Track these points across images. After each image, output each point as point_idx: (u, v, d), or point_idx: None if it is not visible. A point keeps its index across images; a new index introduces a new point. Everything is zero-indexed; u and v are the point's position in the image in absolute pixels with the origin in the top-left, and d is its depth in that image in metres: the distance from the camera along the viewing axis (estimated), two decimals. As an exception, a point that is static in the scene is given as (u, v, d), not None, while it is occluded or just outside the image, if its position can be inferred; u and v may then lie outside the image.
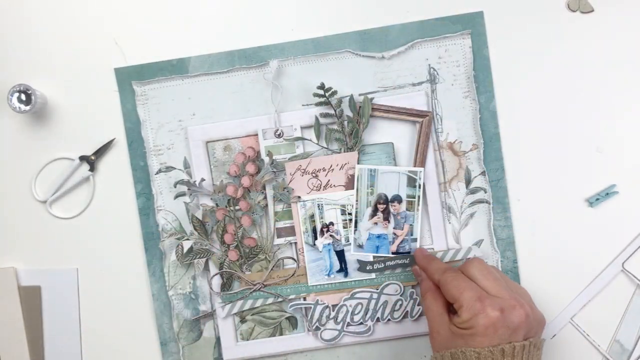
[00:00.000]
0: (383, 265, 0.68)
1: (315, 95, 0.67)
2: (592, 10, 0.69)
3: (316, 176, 0.68)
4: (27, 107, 0.67)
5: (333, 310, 0.69)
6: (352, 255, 0.68)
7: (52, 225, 0.71)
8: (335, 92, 0.67)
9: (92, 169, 0.70)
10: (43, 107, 0.70)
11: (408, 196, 0.68)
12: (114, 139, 0.70)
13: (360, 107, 0.67)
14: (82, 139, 0.70)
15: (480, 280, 0.56)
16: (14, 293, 0.70)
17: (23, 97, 0.67)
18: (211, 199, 0.69)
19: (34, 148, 0.71)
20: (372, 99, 0.68)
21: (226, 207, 0.69)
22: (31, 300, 0.70)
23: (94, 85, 0.70)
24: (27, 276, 0.71)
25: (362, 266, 0.68)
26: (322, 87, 0.67)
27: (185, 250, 0.69)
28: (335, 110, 0.68)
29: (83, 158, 0.70)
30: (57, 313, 0.71)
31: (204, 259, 0.69)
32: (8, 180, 0.71)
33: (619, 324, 0.69)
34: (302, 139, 0.68)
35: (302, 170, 0.68)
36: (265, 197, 0.69)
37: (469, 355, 0.52)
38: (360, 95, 0.68)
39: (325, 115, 0.68)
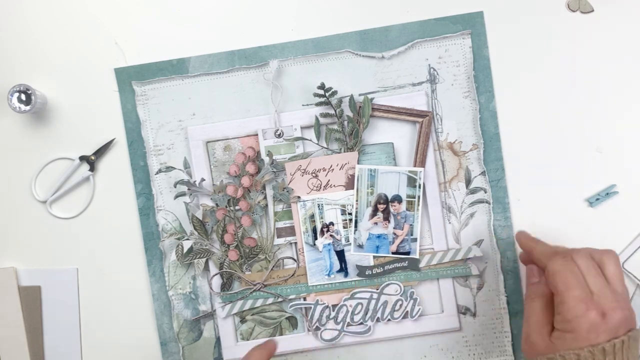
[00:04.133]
0: (382, 270, 0.68)
1: (316, 95, 0.67)
2: (592, 10, 0.69)
3: (316, 176, 0.68)
4: (27, 107, 0.67)
5: (333, 310, 0.69)
6: (352, 256, 0.68)
7: (52, 225, 0.71)
8: (335, 92, 0.67)
9: (92, 169, 0.70)
10: (43, 107, 0.70)
11: (408, 196, 0.68)
12: (114, 139, 0.70)
13: (360, 107, 0.67)
14: (82, 139, 0.71)
15: (586, 274, 0.53)
16: (14, 293, 0.70)
17: (23, 97, 0.67)
18: (211, 199, 0.69)
19: (34, 148, 0.71)
20: (372, 99, 0.68)
21: (226, 207, 0.69)
22: (31, 300, 0.70)
23: (94, 85, 0.70)
24: (27, 276, 0.70)
25: (362, 271, 0.68)
26: (322, 87, 0.67)
27: (185, 250, 0.69)
28: (335, 110, 0.68)
29: (83, 158, 0.70)
30: (57, 313, 0.71)
31: (204, 259, 0.69)
32: (8, 180, 0.71)
33: None
34: (302, 138, 0.68)
35: (302, 170, 0.68)
36: (265, 197, 0.69)
37: (568, 357, 0.50)
38: (360, 95, 0.68)
39: (326, 115, 0.68)
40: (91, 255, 0.71)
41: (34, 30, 0.71)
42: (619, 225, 0.69)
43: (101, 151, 0.70)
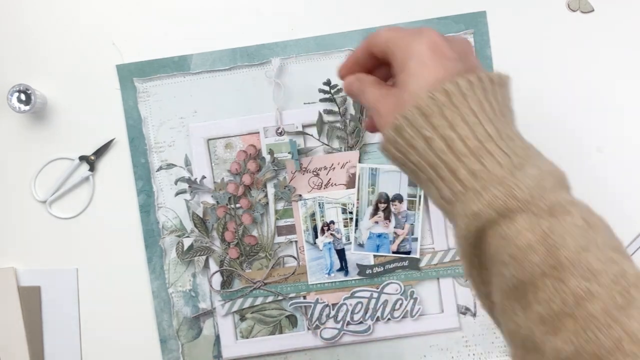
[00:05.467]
0: (382, 269, 0.68)
1: (321, 90, 0.67)
2: (592, 10, 0.69)
3: (317, 174, 0.68)
4: (27, 107, 0.67)
5: (333, 309, 0.68)
6: (352, 255, 0.68)
7: (52, 225, 0.71)
8: (340, 90, 0.67)
9: (92, 169, 0.70)
10: (43, 107, 0.70)
11: (409, 195, 0.68)
12: (114, 139, 0.70)
13: (363, 106, 0.67)
14: (82, 139, 0.70)
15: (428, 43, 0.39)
16: (13, 293, 0.70)
17: (23, 97, 0.67)
18: (212, 196, 0.69)
19: (34, 148, 0.71)
20: (374, 98, 0.68)
21: (227, 204, 0.69)
22: (31, 300, 0.70)
23: (94, 84, 0.70)
24: (27, 276, 0.70)
25: (362, 270, 0.68)
26: (327, 83, 0.67)
27: (185, 247, 0.69)
28: (339, 108, 0.67)
29: (83, 158, 0.70)
30: (57, 313, 0.70)
31: (204, 257, 0.69)
32: (8, 180, 0.71)
33: None
34: (304, 133, 0.68)
35: (304, 169, 0.68)
36: (266, 195, 0.69)
37: (410, 115, 0.36)
38: (362, 94, 0.68)
39: (329, 112, 0.68)
40: (91, 255, 0.71)
41: (34, 30, 0.71)
42: (619, 225, 0.69)
43: (101, 151, 0.70)
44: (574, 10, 0.69)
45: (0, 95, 0.69)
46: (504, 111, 0.38)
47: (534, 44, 0.69)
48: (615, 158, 0.69)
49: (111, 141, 0.70)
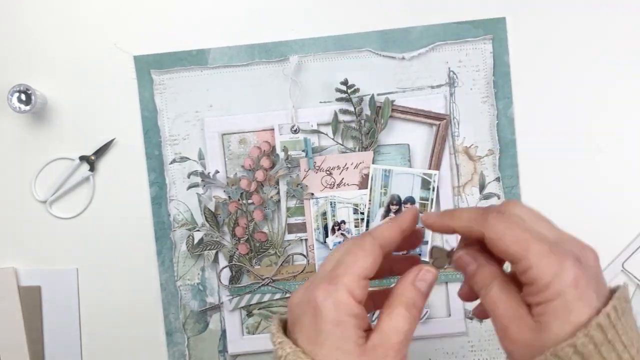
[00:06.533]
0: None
1: (338, 90, 0.67)
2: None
3: (330, 174, 0.68)
4: (27, 107, 0.67)
5: (340, 309, 0.68)
6: (362, 255, 0.68)
7: (52, 225, 0.71)
8: (357, 90, 0.67)
9: (92, 169, 0.70)
10: (43, 107, 0.70)
11: (421, 198, 0.68)
12: (114, 138, 0.70)
13: (380, 107, 0.67)
14: (82, 139, 0.70)
15: (532, 222, 0.39)
16: (14, 293, 0.70)
17: (23, 97, 0.67)
18: (224, 191, 0.69)
19: (34, 148, 0.71)
20: (393, 101, 0.68)
21: (239, 200, 0.69)
22: (31, 300, 0.70)
23: (93, 84, 0.70)
24: (27, 276, 0.70)
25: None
26: (345, 82, 0.67)
27: (195, 241, 0.69)
28: (355, 108, 0.67)
29: (83, 158, 0.70)
30: (57, 313, 0.71)
31: (214, 251, 0.69)
32: (8, 180, 0.71)
33: None
34: (318, 132, 0.68)
35: (317, 167, 0.68)
36: (278, 192, 0.69)
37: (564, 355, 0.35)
38: (379, 95, 0.68)
39: (345, 112, 0.68)
40: (91, 255, 0.71)
41: (34, 30, 0.71)
42: (619, 225, 0.69)
43: (101, 151, 0.70)
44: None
45: (1, 95, 0.69)
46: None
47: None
48: (615, 158, 0.69)
49: (112, 141, 0.70)
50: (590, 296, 0.36)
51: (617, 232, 0.69)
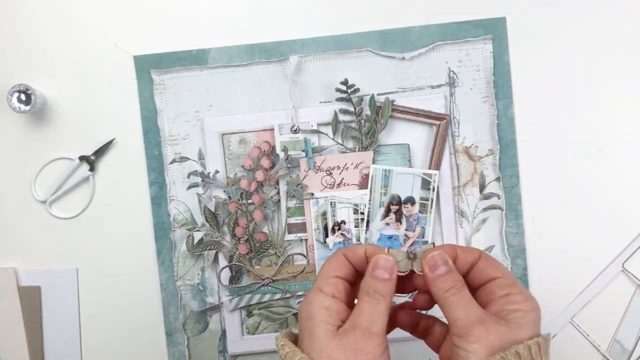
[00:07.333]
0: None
1: (338, 90, 0.67)
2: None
3: (330, 174, 0.68)
4: (27, 107, 0.67)
5: (341, 309, 0.68)
6: (362, 255, 0.68)
7: (52, 225, 0.71)
8: (357, 90, 0.67)
9: (92, 169, 0.70)
10: (43, 107, 0.70)
11: (421, 198, 0.68)
12: (114, 138, 0.70)
13: (380, 107, 0.67)
14: (82, 139, 0.70)
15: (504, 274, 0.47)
16: (14, 293, 0.70)
17: (23, 97, 0.67)
18: (224, 191, 0.69)
19: (34, 148, 0.71)
20: (393, 100, 0.67)
21: (239, 200, 0.69)
22: (31, 300, 0.70)
23: (94, 83, 0.70)
24: (27, 276, 0.70)
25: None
26: (345, 82, 0.67)
27: (195, 241, 0.69)
28: (355, 108, 0.67)
29: (83, 158, 0.70)
30: (57, 313, 0.70)
31: (214, 251, 0.69)
32: (8, 180, 0.71)
33: (619, 324, 0.69)
34: (318, 132, 0.68)
35: (317, 167, 0.68)
36: (278, 192, 0.69)
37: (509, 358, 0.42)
38: (378, 95, 0.68)
39: (345, 112, 0.68)
40: (91, 255, 0.71)
41: (34, 30, 0.71)
42: (619, 225, 0.69)
43: (101, 151, 0.70)
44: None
45: (0, 95, 0.69)
46: None
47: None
48: (615, 158, 0.69)
49: (111, 141, 0.70)
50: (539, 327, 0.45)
51: (617, 232, 0.69)
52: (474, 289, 0.47)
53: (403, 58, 0.68)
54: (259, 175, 0.68)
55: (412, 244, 0.68)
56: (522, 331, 0.43)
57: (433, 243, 0.48)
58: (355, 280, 0.48)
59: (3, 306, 0.69)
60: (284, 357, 0.44)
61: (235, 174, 0.69)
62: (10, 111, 0.68)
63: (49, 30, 0.70)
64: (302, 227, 0.69)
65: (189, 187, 0.69)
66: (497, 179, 0.69)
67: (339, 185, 0.68)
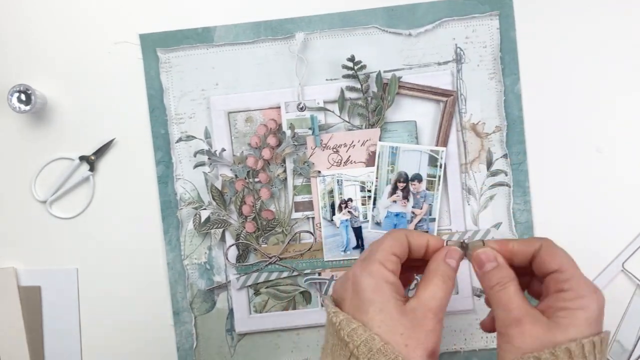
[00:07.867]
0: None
1: (344, 67, 0.67)
2: (622, -3, 0.69)
3: (337, 151, 0.68)
4: (27, 107, 0.67)
5: (348, 287, 0.68)
6: (369, 233, 0.68)
7: (52, 225, 0.71)
8: (364, 67, 0.67)
9: (92, 169, 0.70)
10: (43, 107, 0.70)
11: (428, 175, 0.68)
12: (114, 138, 0.70)
13: (387, 84, 0.67)
14: (82, 139, 0.70)
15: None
16: (14, 293, 0.70)
17: (23, 97, 0.67)
18: (231, 169, 0.69)
19: (34, 148, 0.70)
20: (400, 77, 0.67)
21: (245, 178, 0.69)
22: (31, 300, 0.70)
23: (94, 83, 0.70)
24: (27, 276, 0.70)
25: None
26: (352, 59, 0.67)
27: (202, 220, 0.69)
28: (361, 85, 0.67)
29: (83, 158, 0.70)
30: (57, 313, 0.71)
31: (220, 230, 0.69)
32: (8, 180, 0.71)
33: (619, 324, 0.69)
34: (324, 109, 0.68)
35: (323, 145, 0.68)
36: (285, 170, 0.69)
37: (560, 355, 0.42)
38: (385, 72, 0.68)
39: (351, 89, 0.68)
40: (91, 255, 0.71)
41: (34, 30, 0.70)
42: (619, 225, 0.69)
43: (101, 151, 0.70)
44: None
45: (0, 95, 0.69)
46: None
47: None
48: (615, 158, 0.69)
49: (112, 141, 0.70)
50: (599, 323, 0.44)
51: (617, 232, 0.69)
52: (541, 279, 0.48)
53: (410, 34, 0.68)
54: (266, 154, 0.68)
55: (419, 221, 0.68)
56: (562, 333, 0.43)
57: (482, 241, 0.50)
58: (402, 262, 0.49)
59: (3, 306, 0.69)
60: (338, 325, 0.45)
61: (242, 152, 0.69)
62: (10, 111, 0.68)
63: (49, 30, 0.70)
64: (308, 205, 0.69)
65: (196, 166, 0.69)
66: (505, 156, 0.68)
67: (345, 162, 0.68)
